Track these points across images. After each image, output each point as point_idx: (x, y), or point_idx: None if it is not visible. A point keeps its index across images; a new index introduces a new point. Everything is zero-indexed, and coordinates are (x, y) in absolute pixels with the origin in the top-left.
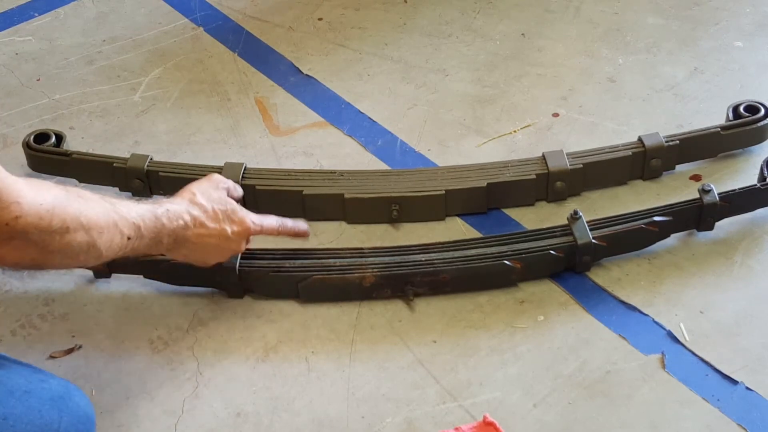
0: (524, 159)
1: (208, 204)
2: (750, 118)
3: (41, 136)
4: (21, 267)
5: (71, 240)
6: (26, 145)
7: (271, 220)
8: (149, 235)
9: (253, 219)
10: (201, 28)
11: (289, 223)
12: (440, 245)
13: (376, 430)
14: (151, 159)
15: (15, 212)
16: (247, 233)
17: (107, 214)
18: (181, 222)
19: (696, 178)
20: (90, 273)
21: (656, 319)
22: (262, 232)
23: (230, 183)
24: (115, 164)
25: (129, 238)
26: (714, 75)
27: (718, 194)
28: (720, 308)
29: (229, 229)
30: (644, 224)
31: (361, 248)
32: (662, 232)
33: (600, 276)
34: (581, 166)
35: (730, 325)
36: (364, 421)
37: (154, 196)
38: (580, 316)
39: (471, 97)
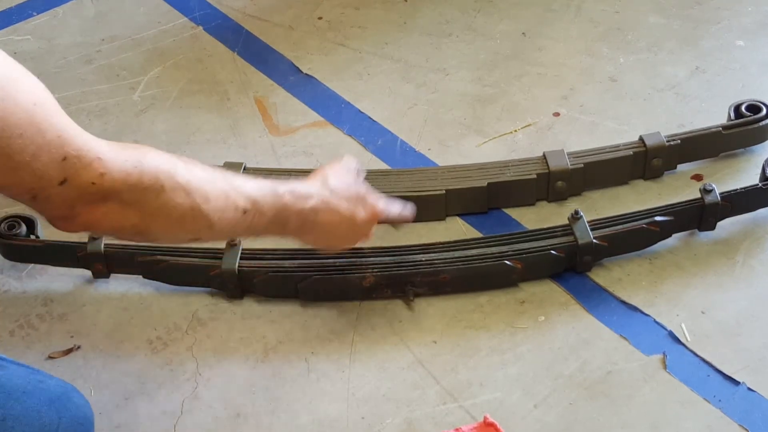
0: (525, 159)
1: (340, 187)
2: (752, 117)
3: None
4: (124, 234)
5: (168, 200)
6: None
7: (395, 206)
8: (270, 212)
9: (382, 204)
10: (200, 27)
11: (407, 210)
12: (440, 245)
13: (376, 431)
14: None
15: (98, 169)
16: (376, 219)
17: (214, 181)
18: (308, 203)
19: (697, 177)
20: (89, 273)
21: (657, 320)
22: (387, 219)
23: (359, 165)
24: None
25: (245, 212)
26: (715, 74)
27: (720, 194)
28: (721, 308)
29: (359, 215)
30: (645, 224)
31: (361, 248)
32: (663, 232)
33: (601, 276)
34: (582, 165)
35: (732, 325)
36: (364, 421)
37: None
38: (580, 317)
39: (471, 96)
